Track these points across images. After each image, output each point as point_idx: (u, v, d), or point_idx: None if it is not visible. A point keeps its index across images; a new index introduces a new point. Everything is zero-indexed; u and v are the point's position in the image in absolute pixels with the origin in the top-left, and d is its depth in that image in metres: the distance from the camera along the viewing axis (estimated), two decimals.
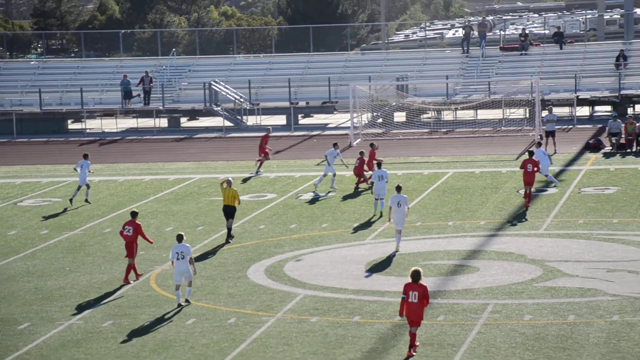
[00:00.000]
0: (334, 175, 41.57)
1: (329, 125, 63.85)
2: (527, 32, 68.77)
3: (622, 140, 48.57)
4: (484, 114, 60.75)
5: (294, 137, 59.44)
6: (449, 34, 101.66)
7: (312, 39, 71.88)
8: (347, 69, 66.95)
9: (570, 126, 56.78)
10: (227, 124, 62.60)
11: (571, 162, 46.05)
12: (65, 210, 39.76)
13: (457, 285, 27.96)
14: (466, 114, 61.64)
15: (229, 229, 33.84)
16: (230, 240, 33.58)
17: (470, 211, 37.09)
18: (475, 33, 67.84)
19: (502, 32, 77.48)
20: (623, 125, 48.91)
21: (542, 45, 67.69)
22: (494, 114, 59.97)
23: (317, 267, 30.46)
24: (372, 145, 42.20)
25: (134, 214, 29.68)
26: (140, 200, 41.21)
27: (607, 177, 41.83)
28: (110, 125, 65.02)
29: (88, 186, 40.73)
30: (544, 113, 52.97)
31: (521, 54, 65.43)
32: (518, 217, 35.63)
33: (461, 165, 44.70)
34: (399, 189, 31.65)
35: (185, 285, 26.94)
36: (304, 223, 36.46)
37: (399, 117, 61.51)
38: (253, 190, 42.86)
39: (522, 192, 37.67)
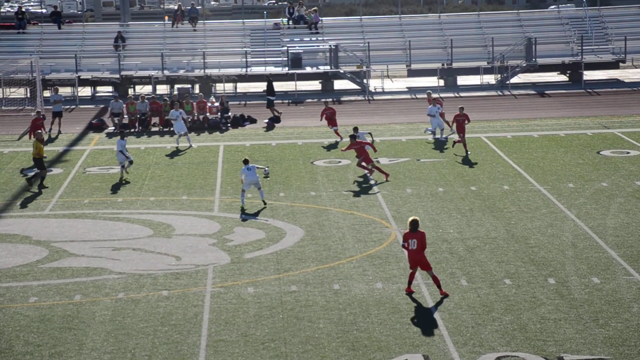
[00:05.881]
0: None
1: None
2: (24, 10, 67.46)
3: (125, 120, 49.18)
4: None
5: None
6: None
7: None
8: None
9: (73, 106, 56.50)
10: None
11: (75, 142, 45.83)
12: None
13: None
14: None
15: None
16: None
17: None
18: None
19: None
20: (125, 105, 49.51)
21: (40, 24, 66.71)
22: None
23: None
24: None
25: None
26: None
27: (111, 157, 42.04)
28: None
29: None
30: (47, 93, 52.25)
31: (19, 32, 64.11)
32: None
33: None
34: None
35: None
36: None
37: None
38: None
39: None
